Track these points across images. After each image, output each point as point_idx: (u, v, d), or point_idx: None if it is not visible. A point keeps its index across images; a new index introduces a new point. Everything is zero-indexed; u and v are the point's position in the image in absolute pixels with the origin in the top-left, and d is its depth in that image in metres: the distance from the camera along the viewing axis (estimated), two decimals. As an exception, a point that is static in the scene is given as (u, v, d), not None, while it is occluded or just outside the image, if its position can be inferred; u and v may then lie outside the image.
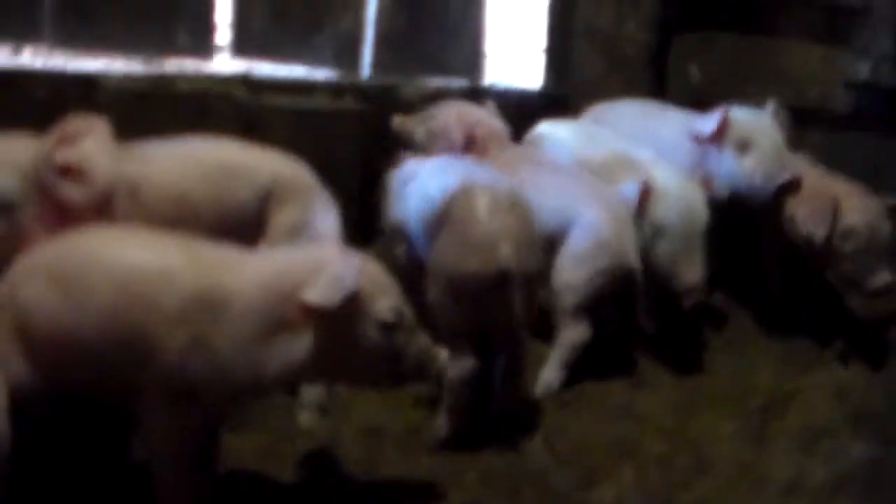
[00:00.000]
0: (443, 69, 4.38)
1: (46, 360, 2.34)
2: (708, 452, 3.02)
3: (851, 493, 2.87)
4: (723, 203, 3.63)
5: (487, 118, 3.62)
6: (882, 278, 3.55)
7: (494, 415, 3.00)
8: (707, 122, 3.69)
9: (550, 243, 3.23)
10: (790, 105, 3.87)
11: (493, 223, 2.85)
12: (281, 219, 2.85)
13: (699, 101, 4.10)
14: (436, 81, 4.22)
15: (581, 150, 3.62)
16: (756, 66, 4.56)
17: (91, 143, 2.62)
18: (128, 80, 3.38)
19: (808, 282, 3.81)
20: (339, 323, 2.33)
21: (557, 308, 3.27)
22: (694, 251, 3.39)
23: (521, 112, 3.92)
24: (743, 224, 3.74)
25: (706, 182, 3.64)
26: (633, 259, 3.26)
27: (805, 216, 3.63)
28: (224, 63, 3.89)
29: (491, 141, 3.53)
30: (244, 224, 2.81)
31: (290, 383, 2.70)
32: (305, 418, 2.94)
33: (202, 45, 3.85)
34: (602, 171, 3.49)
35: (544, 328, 3.25)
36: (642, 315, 3.31)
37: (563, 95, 4.48)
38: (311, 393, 2.93)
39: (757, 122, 3.68)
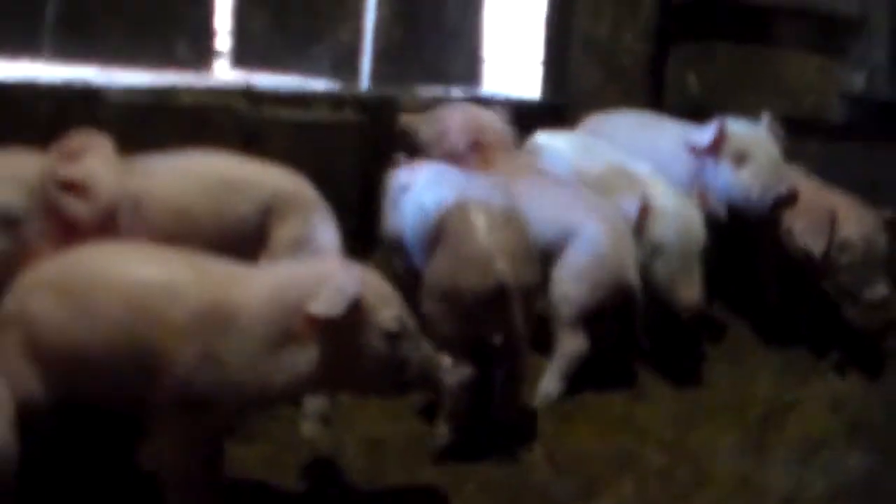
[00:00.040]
0: (441, 79, 4.39)
1: (55, 374, 2.36)
2: (707, 464, 3.04)
3: (850, 504, 2.90)
4: (720, 218, 3.64)
5: (494, 124, 3.60)
6: (879, 291, 3.57)
7: (493, 423, 3.01)
8: (703, 134, 3.68)
9: (549, 254, 3.23)
10: (786, 115, 3.88)
11: (489, 239, 2.86)
12: (282, 233, 2.86)
13: (696, 111, 4.11)
14: (434, 91, 4.23)
15: (579, 161, 3.62)
16: (753, 76, 4.57)
17: (94, 158, 2.63)
18: (129, 93, 3.39)
19: (806, 293, 3.82)
20: (343, 333, 2.36)
21: (555, 320, 3.28)
22: (691, 270, 3.39)
23: (518, 122, 3.93)
24: (740, 235, 3.75)
25: (703, 197, 3.65)
26: (632, 274, 3.27)
27: (802, 229, 3.65)
28: (223, 74, 3.90)
29: (495, 148, 3.52)
30: (245, 238, 2.82)
31: (296, 394, 2.72)
32: (308, 428, 2.94)
33: (202, 56, 3.86)
34: (599, 184, 3.49)
35: (543, 338, 3.25)
36: (640, 331, 3.33)
37: (560, 105, 4.48)
38: (314, 403, 2.94)
39: (753, 134, 3.68)
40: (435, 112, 3.66)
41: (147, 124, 3.33)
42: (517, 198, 3.23)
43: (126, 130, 2.97)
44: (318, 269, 2.46)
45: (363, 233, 3.46)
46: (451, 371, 2.72)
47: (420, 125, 3.64)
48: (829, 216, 3.61)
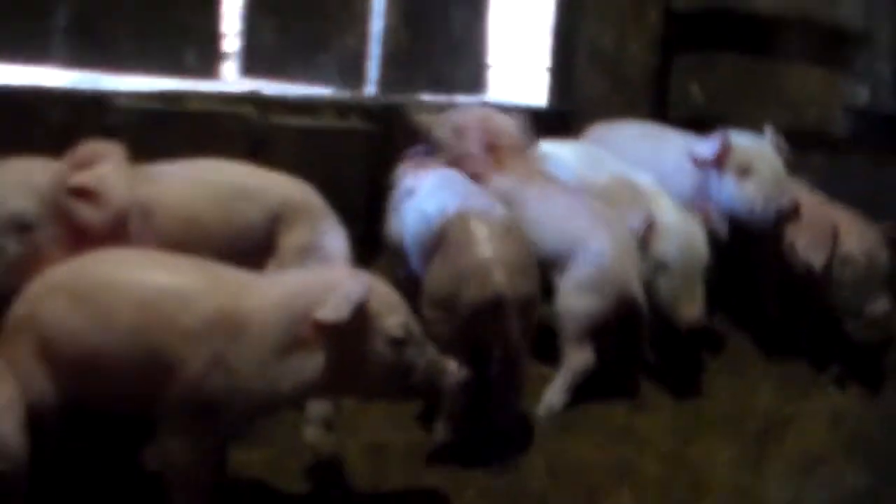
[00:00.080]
0: (448, 87, 4.40)
1: (66, 377, 2.39)
2: (706, 476, 3.05)
3: (847, 520, 2.91)
4: (721, 238, 3.65)
5: (509, 128, 3.56)
6: (880, 306, 3.58)
7: (492, 431, 3.02)
8: (707, 146, 3.69)
9: (553, 262, 3.25)
10: (789, 127, 3.88)
11: (488, 250, 2.88)
12: (290, 240, 2.88)
13: (699, 121, 4.11)
14: (441, 99, 4.24)
15: (584, 172, 3.61)
16: (756, 88, 4.55)
17: (106, 166, 2.66)
18: (138, 99, 3.41)
19: (807, 307, 3.82)
20: (349, 340, 2.40)
21: (561, 333, 3.28)
22: (693, 288, 3.38)
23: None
24: (742, 248, 3.75)
25: (706, 212, 3.64)
26: (637, 288, 3.27)
27: (805, 244, 3.65)
28: (231, 82, 3.91)
29: (509, 151, 3.48)
30: (253, 245, 2.84)
31: (304, 399, 2.75)
32: (310, 433, 2.95)
33: (210, 64, 3.88)
34: (603, 195, 3.48)
35: (547, 348, 3.27)
36: (645, 344, 3.35)
37: (566, 114, 4.49)
38: (317, 408, 2.94)
39: (757, 147, 3.68)
40: (451, 112, 3.64)
41: (155, 130, 3.35)
42: (526, 203, 3.27)
43: (134, 136, 3.00)
44: (325, 277, 2.50)
45: (369, 239, 3.47)
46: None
47: (433, 124, 3.61)
48: (831, 231, 3.62)
